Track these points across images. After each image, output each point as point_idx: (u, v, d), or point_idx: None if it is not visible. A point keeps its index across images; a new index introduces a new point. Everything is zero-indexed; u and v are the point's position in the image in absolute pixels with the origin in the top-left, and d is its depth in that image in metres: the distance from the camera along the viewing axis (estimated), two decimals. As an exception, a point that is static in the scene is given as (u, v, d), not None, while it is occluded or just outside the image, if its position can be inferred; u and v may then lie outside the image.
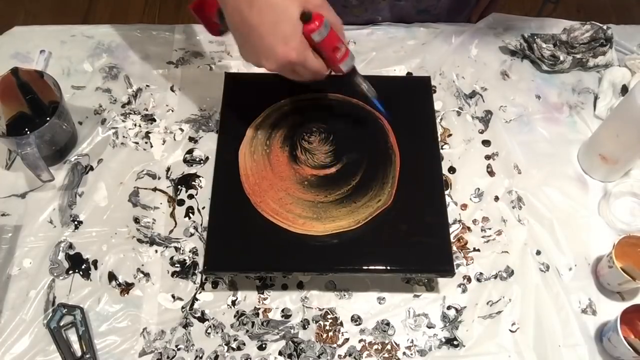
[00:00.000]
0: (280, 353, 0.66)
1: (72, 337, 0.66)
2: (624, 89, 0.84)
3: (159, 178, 0.76)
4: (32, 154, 0.68)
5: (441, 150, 0.79)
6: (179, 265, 0.70)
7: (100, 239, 0.72)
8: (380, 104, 0.69)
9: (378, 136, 0.73)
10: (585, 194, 0.77)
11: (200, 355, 0.65)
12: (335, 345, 0.66)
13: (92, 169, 0.77)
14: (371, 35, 0.90)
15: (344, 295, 0.69)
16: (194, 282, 0.70)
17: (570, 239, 0.73)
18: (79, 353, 0.65)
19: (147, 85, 0.84)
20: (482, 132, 0.82)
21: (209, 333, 0.67)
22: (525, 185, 0.77)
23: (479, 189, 0.77)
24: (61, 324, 0.66)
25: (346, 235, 0.66)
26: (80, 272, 0.70)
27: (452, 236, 0.71)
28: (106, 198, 0.75)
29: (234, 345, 0.66)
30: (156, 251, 0.71)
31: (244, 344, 0.66)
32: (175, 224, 0.73)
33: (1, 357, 0.64)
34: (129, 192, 0.75)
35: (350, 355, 0.66)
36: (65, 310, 0.66)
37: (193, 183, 0.76)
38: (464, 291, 0.70)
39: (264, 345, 0.66)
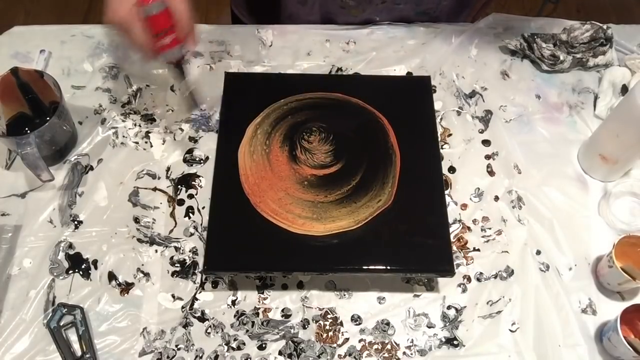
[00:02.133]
0: (280, 353, 0.66)
1: (72, 337, 0.66)
2: (624, 89, 0.84)
3: (159, 178, 0.76)
4: (32, 154, 0.68)
5: (441, 150, 0.79)
6: (179, 265, 0.70)
7: (100, 238, 0.72)
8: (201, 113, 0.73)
9: (378, 136, 0.73)
10: (585, 194, 0.77)
11: (200, 355, 0.66)
12: (335, 345, 0.66)
13: (92, 168, 0.77)
14: (371, 35, 0.90)
15: (344, 295, 0.69)
16: (194, 282, 0.70)
17: (570, 239, 0.73)
18: (79, 353, 0.65)
19: (147, 85, 0.84)
20: (482, 132, 0.82)
21: (209, 333, 0.67)
22: (525, 185, 0.77)
23: (479, 188, 0.77)
24: (61, 323, 0.66)
25: (346, 235, 0.66)
26: (80, 272, 0.70)
27: (452, 236, 0.71)
28: (106, 198, 0.75)
29: (234, 345, 0.66)
30: (156, 251, 0.71)
31: (244, 344, 0.66)
32: (175, 223, 0.73)
33: (1, 357, 0.64)
34: (129, 192, 0.75)
35: (350, 355, 0.66)
36: (65, 310, 0.66)
37: (193, 183, 0.76)
38: (464, 291, 0.70)
39: (264, 345, 0.66)
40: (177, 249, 0.71)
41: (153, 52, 0.63)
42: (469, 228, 0.74)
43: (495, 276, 0.71)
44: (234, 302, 0.68)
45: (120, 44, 0.84)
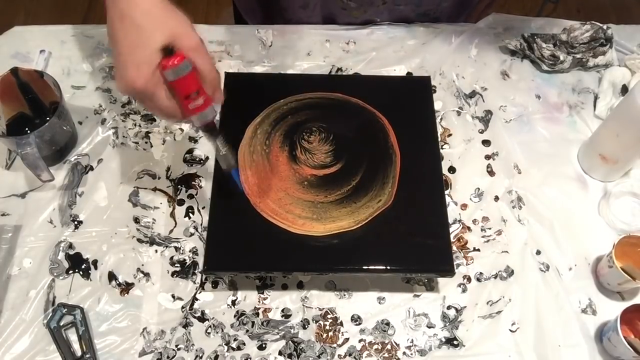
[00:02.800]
0: (280, 353, 0.66)
1: (72, 337, 0.66)
2: (624, 89, 0.84)
3: (159, 178, 0.76)
4: (32, 154, 0.68)
5: (441, 150, 0.79)
6: (179, 265, 0.70)
7: (100, 238, 0.72)
8: (237, 175, 0.66)
9: (378, 136, 0.73)
10: (585, 194, 0.77)
11: (200, 355, 0.65)
12: (335, 345, 0.66)
13: (92, 169, 0.77)
14: (371, 35, 0.90)
15: (344, 295, 0.69)
16: (194, 282, 0.70)
17: (570, 239, 0.73)
18: (79, 353, 0.65)
19: (147, 85, 0.84)
20: (482, 132, 0.82)
21: (209, 333, 0.67)
22: (525, 185, 0.77)
23: (479, 188, 0.77)
24: (61, 324, 0.66)
25: (346, 235, 0.66)
26: (80, 272, 0.70)
27: (452, 236, 0.71)
28: (106, 198, 0.75)
29: (234, 345, 0.66)
30: (156, 251, 0.71)
31: (244, 344, 0.66)
32: (175, 223, 0.73)
33: (1, 357, 0.64)
34: (129, 192, 0.75)
35: (350, 355, 0.66)
36: (65, 310, 0.66)
37: (193, 183, 0.76)
38: (464, 291, 0.70)
39: (264, 345, 0.66)
40: (177, 249, 0.71)
41: (184, 116, 0.57)
42: (469, 228, 0.74)
43: (495, 276, 0.71)
44: (234, 302, 0.68)
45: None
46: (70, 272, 0.70)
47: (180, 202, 0.75)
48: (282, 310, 0.68)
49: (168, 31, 0.52)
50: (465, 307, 0.69)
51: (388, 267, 0.65)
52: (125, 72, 0.52)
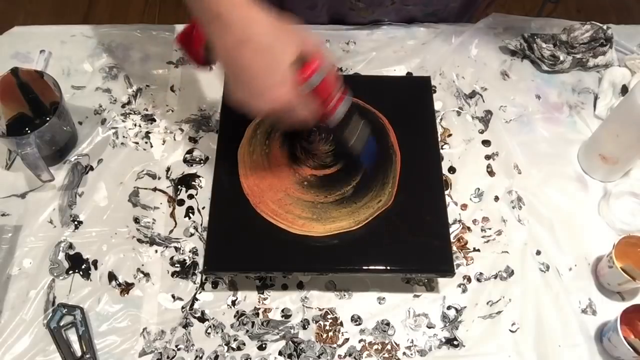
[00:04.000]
0: (280, 353, 0.66)
1: (72, 337, 0.66)
2: (624, 89, 0.84)
3: (159, 178, 0.76)
4: (32, 154, 0.68)
5: (441, 150, 0.79)
6: (179, 265, 0.70)
7: (100, 239, 0.72)
8: (368, 155, 0.66)
9: (379, 136, 0.73)
10: (585, 194, 0.77)
11: (200, 355, 0.65)
12: (335, 345, 0.66)
13: (92, 169, 0.77)
14: (371, 35, 0.90)
15: (344, 295, 0.69)
16: (194, 282, 0.70)
17: (570, 239, 0.73)
18: (79, 353, 0.65)
19: (147, 85, 0.84)
20: (482, 132, 0.82)
21: (209, 333, 0.67)
22: (525, 185, 0.77)
23: (479, 189, 0.77)
24: (61, 324, 0.66)
25: (346, 235, 0.66)
26: (80, 272, 0.70)
27: (452, 236, 0.71)
28: (106, 198, 0.75)
29: (234, 345, 0.66)
30: (156, 251, 0.71)
31: (244, 344, 0.66)
32: (175, 224, 0.73)
33: (1, 357, 0.64)
34: (129, 192, 0.75)
35: (350, 355, 0.66)
36: (65, 310, 0.66)
37: (193, 183, 0.76)
38: (464, 291, 0.70)
39: (264, 345, 0.66)
40: (177, 249, 0.71)
41: (324, 119, 0.58)
42: (469, 228, 0.74)
43: (495, 276, 0.71)
44: (234, 303, 0.68)
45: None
46: (70, 272, 0.70)
47: (180, 202, 0.75)
48: (282, 311, 0.68)
49: (294, 44, 0.52)
50: (465, 307, 0.69)
51: (388, 267, 0.65)
52: (265, 94, 0.52)
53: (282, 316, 0.68)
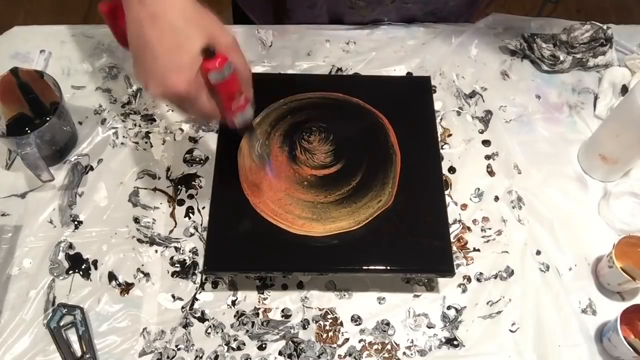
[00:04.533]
0: (280, 353, 0.66)
1: (72, 337, 0.66)
2: (624, 89, 0.84)
3: (159, 178, 0.76)
4: (32, 154, 0.68)
5: (441, 150, 0.79)
6: (179, 265, 0.70)
7: (100, 239, 0.72)
8: (269, 167, 0.68)
9: (379, 136, 0.73)
10: (585, 194, 0.77)
11: (200, 355, 0.66)
12: (335, 345, 0.66)
13: (92, 169, 0.77)
14: (371, 35, 0.90)
15: (344, 295, 0.69)
16: (194, 282, 0.70)
17: (570, 239, 0.73)
18: (79, 353, 0.65)
19: (147, 85, 0.84)
20: (482, 132, 0.82)
21: (209, 333, 0.67)
22: (525, 185, 0.77)
23: (479, 189, 0.77)
24: (61, 324, 0.66)
25: (346, 235, 0.66)
26: (80, 272, 0.70)
27: (452, 236, 0.71)
28: (106, 198, 0.75)
29: (234, 345, 0.66)
30: (156, 251, 0.71)
31: (244, 344, 0.66)
32: (175, 224, 0.73)
33: (1, 357, 0.64)
34: (129, 192, 0.75)
35: (350, 355, 0.66)
36: (65, 310, 0.66)
37: (193, 183, 0.76)
38: (464, 291, 0.70)
39: (264, 345, 0.66)
40: (177, 249, 0.71)
41: (226, 117, 0.56)
42: (469, 228, 0.74)
43: (495, 276, 0.71)
44: (234, 303, 0.68)
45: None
46: (70, 272, 0.70)
47: (180, 202, 0.75)
48: (282, 311, 0.68)
49: (206, 32, 0.50)
50: (465, 307, 0.69)
51: (388, 267, 0.65)
52: (165, 76, 0.49)
53: (282, 316, 0.68)
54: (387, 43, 0.89)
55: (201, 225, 0.73)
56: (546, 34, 0.88)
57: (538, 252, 0.72)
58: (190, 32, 0.49)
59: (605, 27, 0.87)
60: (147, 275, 0.70)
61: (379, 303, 0.69)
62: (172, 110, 0.81)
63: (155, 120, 0.81)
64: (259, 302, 0.69)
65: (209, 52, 0.50)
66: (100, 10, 0.59)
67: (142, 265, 0.70)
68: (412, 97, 0.77)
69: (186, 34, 0.49)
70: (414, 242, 0.66)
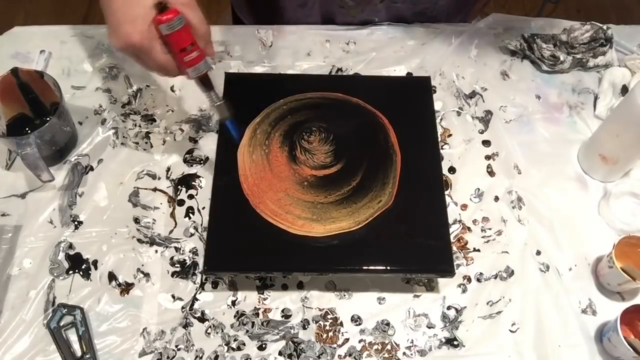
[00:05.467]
0: (280, 353, 0.66)
1: (72, 337, 0.66)
2: (624, 89, 0.84)
3: (159, 178, 0.76)
4: (32, 154, 0.68)
5: (441, 150, 0.79)
6: (179, 265, 0.70)
7: (100, 239, 0.72)
8: (232, 126, 0.69)
9: (379, 136, 0.73)
10: (585, 194, 0.77)
11: (200, 355, 0.65)
12: (335, 345, 0.66)
13: (92, 169, 0.77)
14: (371, 36, 0.90)
15: (344, 295, 0.69)
16: (194, 282, 0.70)
17: (570, 239, 0.73)
18: (79, 353, 0.65)
19: (147, 86, 0.84)
20: (482, 132, 0.82)
21: (209, 333, 0.67)
22: (525, 185, 0.77)
23: (479, 189, 0.77)
24: (61, 324, 0.66)
25: (346, 235, 0.66)
26: (80, 272, 0.70)
27: (452, 236, 0.71)
28: (106, 198, 0.75)
29: (234, 345, 0.66)
30: (156, 251, 0.71)
31: (244, 344, 0.66)
32: (175, 224, 0.73)
33: (1, 357, 0.64)
34: (129, 192, 0.75)
35: (350, 355, 0.66)
36: (65, 310, 0.66)
37: (193, 183, 0.76)
38: (464, 291, 0.70)
39: (264, 346, 0.66)
40: (177, 249, 0.71)
41: (179, 70, 0.60)
42: (469, 228, 0.74)
43: (496, 276, 0.71)
44: (234, 303, 0.68)
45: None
46: (70, 272, 0.70)
47: (180, 203, 0.75)
48: (282, 311, 0.68)
49: None
50: (465, 307, 0.69)
51: (388, 268, 0.65)
52: (119, 28, 0.53)
53: (282, 316, 0.68)
54: (387, 43, 0.89)
55: (201, 225, 0.73)
56: (546, 34, 0.88)
57: (538, 252, 0.72)
58: None
59: (605, 27, 0.87)
60: (147, 275, 0.70)
61: (379, 303, 0.69)
62: (173, 111, 0.81)
63: (155, 121, 0.81)
64: (259, 302, 0.69)
65: (161, 6, 0.55)
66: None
67: (142, 265, 0.70)
68: (412, 97, 0.77)
69: None
70: (414, 242, 0.66)
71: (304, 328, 0.67)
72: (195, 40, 0.58)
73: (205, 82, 0.63)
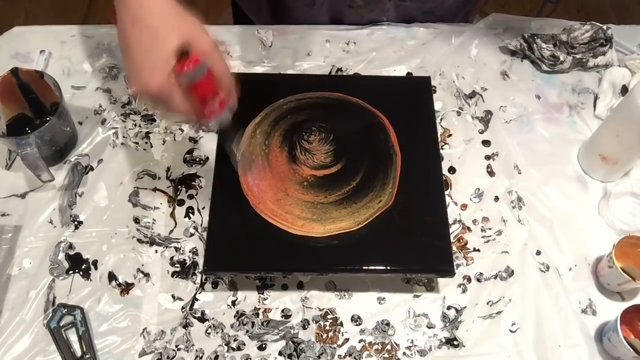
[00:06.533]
0: (280, 353, 0.66)
1: (72, 337, 0.66)
2: (624, 89, 0.84)
3: (159, 178, 0.76)
4: (32, 154, 0.68)
5: (441, 150, 0.79)
6: (179, 265, 0.70)
7: (100, 239, 0.72)
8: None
9: (379, 136, 0.73)
10: (585, 194, 0.77)
11: (200, 356, 0.66)
12: (335, 345, 0.66)
13: (92, 169, 0.77)
14: (371, 35, 0.90)
15: (344, 295, 0.69)
16: (194, 282, 0.70)
17: (570, 239, 0.73)
18: (79, 353, 0.65)
19: (147, 86, 0.84)
20: (482, 132, 0.82)
21: (209, 333, 0.67)
22: (525, 185, 0.77)
23: (479, 189, 0.77)
24: (61, 324, 0.66)
25: (346, 235, 0.66)
26: (80, 272, 0.70)
27: (452, 236, 0.71)
28: (106, 198, 0.75)
29: (234, 345, 0.66)
30: (156, 251, 0.71)
31: (244, 344, 0.66)
32: (175, 224, 0.73)
33: (1, 357, 0.64)
34: (129, 192, 0.75)
35: (350, 355, 0.66)
36: (65, 310, 0.66)
37: (193, 183, 0.76)
38: (464, 291, 0.70)
39: (264, 346, 0.66)
40: (177, 249, 0.71)
41: (201, 120, 0.57)
42: (469, 228, 0.74)
43: (495, 276, 0.71)
44: (234, 303, 0.68)
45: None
46: (70, 272, 0.70)
47: (180, 203, 0.75)
48: (282, 311, 0.68)
49: (182, 34, 0.52)
50: (465, 307, 0.69)
51: (388, 268, 0.65)
52: (138, 75, 0.52)
53: (282, 316, 0.68)
54: (387, 43, 0.89)
55: (201, 225, 0.73)
56: (546, 34, 0.88)
57: (538, 252, 0.72)
58: (166, 33, 0.51)
59: (605, 27, 0.87)
60: (147, 275, 0.70)
61: (379, 303, 0.69)
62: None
63: (155, 121, 0.81)
64: (259, 302, 0.69)
65: (183, 54, 0.52)
66: (111, 14, 0.61)
67: (142, 265, 0.70)
68: (412, 97, 0.77)
69: (162, 36, 0.51)
70: (414, 242, 0.66)
71: (304, 328, 0.67)
72: (218, 90, 0.55)
73: (226, 134, 0.60)
